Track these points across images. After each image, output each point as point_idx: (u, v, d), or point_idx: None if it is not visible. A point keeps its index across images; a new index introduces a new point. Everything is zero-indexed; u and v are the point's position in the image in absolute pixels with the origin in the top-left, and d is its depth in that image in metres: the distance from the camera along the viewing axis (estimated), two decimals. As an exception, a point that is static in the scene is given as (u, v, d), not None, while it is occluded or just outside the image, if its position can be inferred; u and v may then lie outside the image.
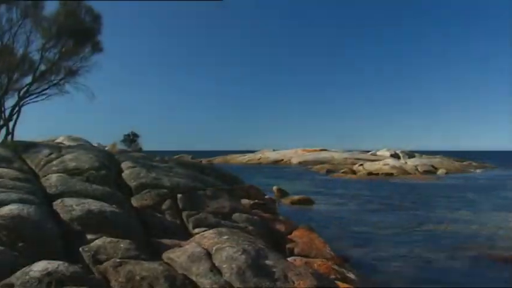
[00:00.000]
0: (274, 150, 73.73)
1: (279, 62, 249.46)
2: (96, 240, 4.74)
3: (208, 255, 4.25)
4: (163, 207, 6.82)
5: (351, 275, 5.53)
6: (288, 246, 6.14)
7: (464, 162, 54.06)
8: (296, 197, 18.38)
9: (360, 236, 11.42)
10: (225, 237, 4.61)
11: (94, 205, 5.55)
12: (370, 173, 36.70)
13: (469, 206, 17.27)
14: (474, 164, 54.08)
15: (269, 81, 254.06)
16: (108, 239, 4.71)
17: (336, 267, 5.49)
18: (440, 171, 41.59)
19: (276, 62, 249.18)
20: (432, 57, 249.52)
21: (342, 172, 37.93)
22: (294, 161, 59.78)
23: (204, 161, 54.90)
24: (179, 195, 7.09)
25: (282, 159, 63.94)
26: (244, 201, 9.63)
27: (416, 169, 40.78)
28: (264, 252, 4.38)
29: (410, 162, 45.13)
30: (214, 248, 4.32)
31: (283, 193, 20.06)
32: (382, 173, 36.63)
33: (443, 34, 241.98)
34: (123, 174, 8.07)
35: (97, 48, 15.78)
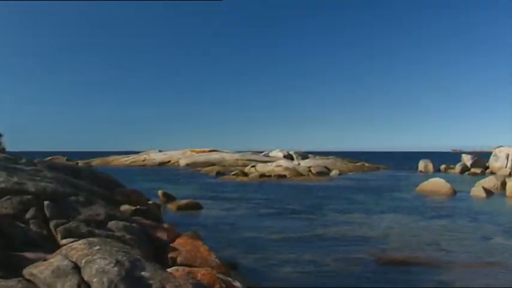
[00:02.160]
0: (160, 151, 72.81)
1: (161, 60, 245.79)
2: None
3: (77, 268, 4.06)
4: (27, 216, 6.39)
5: (237, 283, 5.61)
6: (170, 255, 6.07)
7: (357, 163, 57.45)
8: (183, 202, 18.30)
9: (250, 242, 11.65)
10: (97, 247, 4.44)
11: None
12: (262, 175, 37.53)
13: (361, 208, 18.38)
14: (367, 165, 57.67)
15: (153, 81, 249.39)
16: (-44, 255, 4.33)
17: (221, 275, 5.52)
18: (333, 173, 43.81)
19: (159, 61, 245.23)
20: (323, 57, 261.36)
21: (233, 174, 38.39)
22: (182, 162, 59.51)
23: (81, 162, 52.87)
24: (46, 202, 6.68)
25: (169, 161, 63.39)
26: (125, 207, 9.36)
27: (310, 170, 42.46)
28: (141, 263, 4.29)
29: (304, 164, 46.91)
30: (83, 261, 4.14)
31: (169, 198, 19.88)
32: (275, 175, 37.62)
33: (332, 39, 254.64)
34: (-23, 179, 7.46)
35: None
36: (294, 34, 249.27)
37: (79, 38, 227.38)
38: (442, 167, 49.29)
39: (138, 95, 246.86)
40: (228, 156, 60.22)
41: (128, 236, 6.10)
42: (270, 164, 44.70)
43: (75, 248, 4.52)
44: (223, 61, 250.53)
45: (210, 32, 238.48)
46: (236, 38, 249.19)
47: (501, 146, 43.78)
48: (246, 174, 38.75)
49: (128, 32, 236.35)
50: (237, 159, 57.96)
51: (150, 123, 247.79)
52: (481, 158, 46.62)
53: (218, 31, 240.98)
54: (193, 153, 66.14)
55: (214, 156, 61.39)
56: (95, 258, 4.16)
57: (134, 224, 6.82)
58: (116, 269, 3.97)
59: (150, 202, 13.11)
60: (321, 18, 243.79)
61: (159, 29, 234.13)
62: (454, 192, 23.54)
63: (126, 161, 66.83)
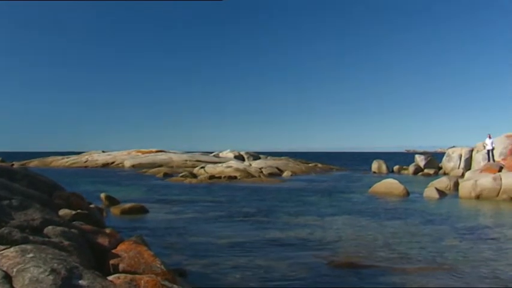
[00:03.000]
0: (103, 151, 71.52)
1: (103, 58, 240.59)
2: None
3: (8, 278, 3.91)
4: (-46, 222, 6.14)
5: (183, 291, 5.56)
6: (111, 262, 5.94)
7: (310, 164, 58.07)
8: (128, 205, 17.99)
9: (198, 247, 11.56)
10: (30, 255, 4.29)
11: None
12: (212, 177, 37.41)
13: (313, 211, 18.57)
14: (320, 165, 58.42)
15: (95, 80, 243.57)
16: None
17: (166, 282, 5.45)
18: (285, 174, 44.26)
19: (100, 59, 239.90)
20: (273, 56, 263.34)
21: (181, 176, 38.11)
22: (127, 163, 58.60)
23: (17, 164, 51.03)
24: (-25, 207, 6.45)
25: (113, 162, 62.31)
26: (64, 211, 9.13)
27: (261, 171, 42.64)
28: (79, 271, 4.18)
29: (255, 164, 47.09)
30: (15, 270, 3.99)
31: (112, 201, 19.54)
32: (225, 176, 37.62)
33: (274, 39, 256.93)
34: None
35: None
36: (241, 33, 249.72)
37: (14, 36, 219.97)
38: (396, 167, 50.42)
39: (80, 94, 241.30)
40: (176, 157, 59.74)
41: (65, 242, 5.93)
42: (220, 165, 44.62)
43: (6, 256, 4.36)
44: (168, 60, 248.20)
45: (153, 31, 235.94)
46: (182, 37, 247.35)
47: (454, 146, 45.20)
48: (194, 176, 38.58)
49: (66, 30, 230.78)
50: (186, 160, 57.62)
51: (92, 123, 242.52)
52: (434, 159, 48.00)
53: (163, 30, 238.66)
54: (139, 153, 65.34)
55: (161, 157, 60.78)
56: (28, 267, 4.02)
57: (73, 230, 6.64)
58: (50, 277, 3.85)
59: (91, 206, 12.83)
60: (266, 19, 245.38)
61: (100, 28, 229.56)
62: (407, 193, 24.12)
63: (66, 162, 65.27)
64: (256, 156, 62.48)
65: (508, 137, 37.64)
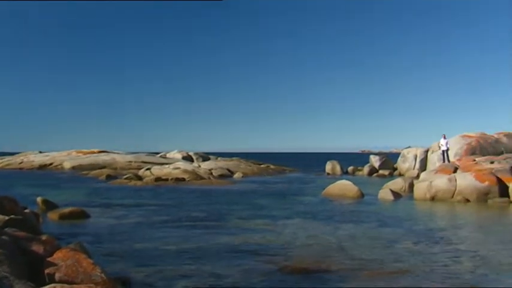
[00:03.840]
0: (41, 152, 69.80)
1: (41, 55, 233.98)
2: None
3: None
4: None
5: (126, 300, 5.45)
6: (47, 271, 5.77)
7: (262, 165, 58.25)
8: (67, 210, 17.55)
9: (143, 254, 11.40)
10: (-46, 265, 4.12)
11: None
12: (158, 179, 37.15)
13: (265, 214, 18.61)
14: (272, 167, 58.66)
15: (34, 78, 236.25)
16: None
17: (107, 292, 5.34)
18: (236, 175, 44.42)
19: (37, 56, 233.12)
20: (219, 55, 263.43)
21: (125, 178, 37.55)
22: (67, 165, 57.30)
23: None
24: None
25: (52, 163, 60.80)
26: (-5, 217, 8.84)
27: (211, 173, 42.59)
28: (9, 281, 4.03)
29: (204, 166, 46.97)
30: None
31: (50, 205, 19.06)
32: (173, 178, 37.40)
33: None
34: None
35: None
36: (182, 33, 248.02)
37: None
38: (350, 168, 50.89)
39: (13, 92, 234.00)
40: (120, 158, 58.80)
41: (-4, 251, 5.73)
42: (167, 166, 44.22)
43: None
44: (114, 57, 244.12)
45: (98, 30, 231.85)
46: (131, 37, 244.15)
47: (409, 147, 46.20)
48: (140, 178, 38.13)
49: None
50: (130, 161, 56.83)
51: (28, 122, 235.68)
52: (389, 159, 48.93)
53: (105, 29, 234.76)
54: (79, 154, 64.00)
55: (104, 157, 59.67)
56: (-48, 278, 3.85)
57: (4, 237, 6.42)
58: (-24, 290, 3.70)
59: (26, 211, 12.51)
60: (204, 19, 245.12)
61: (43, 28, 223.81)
62: (362, 195, 24.44)
63: (-1, 163, 63.45)
64: (205, 157, 62.28)
65: (463, 137, 38.95)
